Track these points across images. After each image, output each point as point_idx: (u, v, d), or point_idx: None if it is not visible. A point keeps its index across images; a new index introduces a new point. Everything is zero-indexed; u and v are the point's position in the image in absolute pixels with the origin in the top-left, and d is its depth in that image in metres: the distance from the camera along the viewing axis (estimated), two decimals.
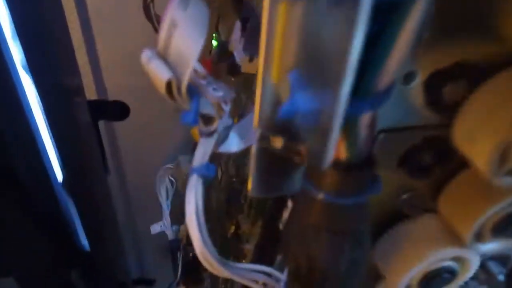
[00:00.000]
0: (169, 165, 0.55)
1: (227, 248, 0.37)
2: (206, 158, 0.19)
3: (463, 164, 0.19)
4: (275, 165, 0.19)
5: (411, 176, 0.21)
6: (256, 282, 0.21)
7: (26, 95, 0.50)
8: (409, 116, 0.19)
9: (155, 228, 0.59)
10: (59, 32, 0.44)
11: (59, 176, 0.61)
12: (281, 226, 0.25)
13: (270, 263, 0.27)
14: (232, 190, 0.34)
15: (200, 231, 0.18)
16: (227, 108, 0.20)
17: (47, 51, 0.45)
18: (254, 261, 0.30)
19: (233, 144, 0.21)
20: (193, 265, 0.49)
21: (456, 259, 0.23)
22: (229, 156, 0.37)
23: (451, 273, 0.24)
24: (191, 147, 0.51)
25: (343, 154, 0.15)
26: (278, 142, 0.17)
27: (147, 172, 0.58)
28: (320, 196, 0.16)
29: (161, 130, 0.53)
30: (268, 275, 0.21)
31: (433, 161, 0.21)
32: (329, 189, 0.15)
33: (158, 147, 0.55)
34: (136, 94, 0.51)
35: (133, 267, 0.71)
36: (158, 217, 0.62)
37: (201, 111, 0.19)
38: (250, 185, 0.20)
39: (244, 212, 0.32)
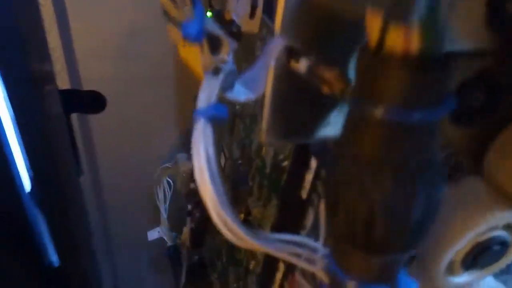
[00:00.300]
0: (167, 165, 0.51)
1: None
2: (214, 97, 0.15)
3: None
4: (296, 98, 0.15)
5: (455, 121, 0.17)
6: (295, 254, 0.17)
7: None
8: (462, 40, 0.15)
9: (153, 235, 0.54)
10: (27, 10, 0.40)
11: (26, 179, 0.55)
12: (304, 195, 0.21)
13: None
14: (238, 174, 0.30)
15: (215, 187, 0.14)
16: (233, 45, 0.17)
17: (12, 32, 0.40)
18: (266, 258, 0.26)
19: (241, 93, 0.17)
20: (199, 268, 0.44)
21: (509, 227, 0.20)
22: (231, 139, 0.33)
23: (503, 245, 0.21)
24: (182, 144, 0.47)
25: (416, 44, 0.11)
26: (302, 65, 0.14)
27: (125, 173, 0.53)
28: (379, 112, 0.11)
29: (142, 125, 0.49)
30: (302, 246, 0.16)
31: (484, 103, 0.17)
32: (394, 99, 0.11)
33: (138, 144, 0.50)
34: (113, 84, 0.46)
35: (107, 281, 0.65)
36: (136, 224, 0.57)
37: (207, 28, 0.16)
38: (263, 130, 0.16)
39: (253, 194, 0.28)
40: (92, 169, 0.51)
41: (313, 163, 0.18)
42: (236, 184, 0.29)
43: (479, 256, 0.20)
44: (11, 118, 0.49)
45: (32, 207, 0.58)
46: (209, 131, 0.14)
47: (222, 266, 0.38)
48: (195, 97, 0.40)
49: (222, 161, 0.35)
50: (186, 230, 0.49)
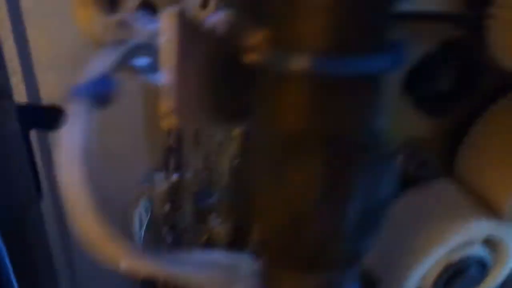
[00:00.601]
0: (142, 186, 0.47)
1: None
2: (106, 70, 0.12)
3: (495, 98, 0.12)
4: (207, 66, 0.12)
5: (418, 108, 0.13)
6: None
7: None
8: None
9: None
10: None
11: None
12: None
13: None
14: (200, 187, 0.27)
15: (86, 188, 0.11)
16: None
17: None
18: None
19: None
20: None
21: (488, 242, 0.16)
22: (195, 149, 0.30)
23: (481, 266, 0.17)
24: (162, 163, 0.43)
25: None
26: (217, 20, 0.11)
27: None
28: (302, 63, 0.08)
29: (110, 141, 0.45)
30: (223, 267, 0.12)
31: (453, 86, 0.14)
32: (319, 44, 0.08)
33: (107, 163, 0.47)
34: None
35: None
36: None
37: None
38: (173, 110, 0.12)
39: (214, 209, 0.25)
40: (53, 192, 0.47)
41: None
42: (199, 199, 0.26)
43: (452, 282, 0.16)
44: None
45: None
46: (87, 114, 0.11)
47: None
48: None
49: (189, 173, 0.32)
50: None
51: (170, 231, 0.42)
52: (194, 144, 0.29)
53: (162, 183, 0.46)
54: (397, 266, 0.14)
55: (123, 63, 0.12)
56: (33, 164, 0.44)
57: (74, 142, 0.10)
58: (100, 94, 0.11)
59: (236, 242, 0.20)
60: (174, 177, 0.39)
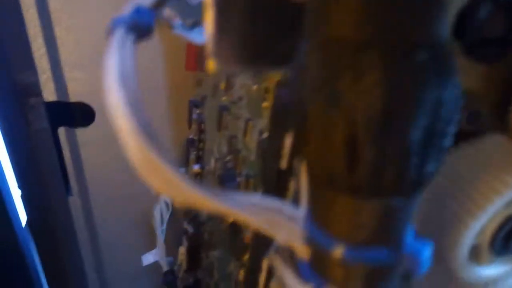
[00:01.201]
0: None
1: (225, 244, 0.29)
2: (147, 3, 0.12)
3: None
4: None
5: (468, 53, 0.13)
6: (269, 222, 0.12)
7: None
8: None
9: (148, 259, 0.50)
10: (9, 17, 0.38)
11: (21, 213, 0.53)
12: (284, 165, 0.17)
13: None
14: (225, 171, 0.26)
15: (135, 116, 0.11)
16: None
17: None
18: (255, 247, 0.22)
19: None
20: None
21: None
22: (219, 135, 0.30)
23: None
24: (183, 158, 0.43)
25: None
26: None
27: (117, 193, 0.49)
28: None
29: None
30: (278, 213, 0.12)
31: (506, 32, 0.13)
32: None
33: (123, 160, 0.47)
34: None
35: None
36: (130, 249, 0.53)
37: None
38: (211, 53, 0.12)
39: (240, 189, 0.25)
40: (81, 189, 0.48)
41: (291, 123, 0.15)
42: (222, 181, 0.25)
43: None
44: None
45: (26, 239, 0.55)
46: (128, 42, 0.11)
47: (215, 285, 0.34)
48: (190, 107, 0.36)
49: (213, 161, 0.32)
50: (182, 250, 0.45)
51: (191, 222, 0.42)
52: (218, 128, 0.29)
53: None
54: (451, 223, 0.14)
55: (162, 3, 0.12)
56: (61, 161, 0.45)
57: (116, 70, 0.10)
58: (141, 25, 0.11)
59: None
60: (195, 167, 0.39)
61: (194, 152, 0.40)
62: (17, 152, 0.45)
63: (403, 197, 0.09)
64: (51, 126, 0.43)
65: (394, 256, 0.09)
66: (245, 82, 0.24)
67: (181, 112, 0.45)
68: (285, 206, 0.12)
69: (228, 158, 0.28)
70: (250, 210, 0.12)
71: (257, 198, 0.12)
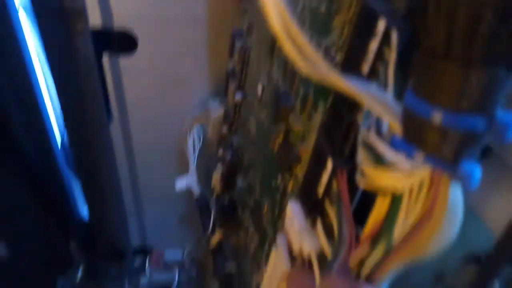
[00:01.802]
0: (198, 113, 0.50)
1: (272, 165, 0.31)
2: None
3: None
4: None
5: None
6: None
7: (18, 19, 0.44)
8: None
9: (181, 184, 0.53)
10: None
11: (57, 133, 0.55)
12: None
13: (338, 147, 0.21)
14: (278, 93, 0.28)
15: None
16: None
17: None
18: (313, 160, 0.24)
19: None
20: (229, 211, 0.43)
21: None
22: (271, 63, 0.31)
23: None
24: (223, 88, 0.45)
25: None
26: None
27: (155, 120, 0.52)
28: None
29: (173, 68, 0.47)
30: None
31: None
32: None
33: (169, 89, 0.49)
34: (144, 23, 0.45)
35: (134, 234, 0.65)
36: (164, 175, 0.56)
37: None
38: None
39: (296, 110, 0.27)
40: (121, 115, 0.50)
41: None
42: (277, 101, 0.27)
43: None
44: (43, 60, 0.49)
45: (63, 159, 0.58)
46: None
47: (254, 201, 0.37)
48: (233, 36, 0.37)
49: (260, 88, 0.34)
50: (216, 176, 0.48)
51: (228, 149, 0.44)
52: (271, 53, 0.30)
53: (218, 109, 0.48)
54: None
55: None
56: (104, 86, 0.47)
57: None
58: None
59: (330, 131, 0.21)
60: (237, 97, 0.40)
61: (235, 82, 0.42)
62: (61, 77, 0.47)
63: (508, 68, 0.11)
64: (96, 52, 0.45)
65: (488, 123, 0.11)
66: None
67: (221, 43, 0.46)
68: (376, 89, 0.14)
69: (281, 82, 0.29)
70: (364, 90, 0.13)
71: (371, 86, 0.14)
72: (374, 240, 0.16)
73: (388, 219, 0.15)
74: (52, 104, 0.60)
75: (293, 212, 0.25)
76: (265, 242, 0.35)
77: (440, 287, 0.32)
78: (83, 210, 0.64)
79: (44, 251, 0.60)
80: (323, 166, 0.22)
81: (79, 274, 0.66)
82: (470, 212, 0.18)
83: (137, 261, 0.65)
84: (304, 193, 0.25)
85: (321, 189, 0.23)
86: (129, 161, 0.56)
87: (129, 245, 0.65)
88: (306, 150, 0.26)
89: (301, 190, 0.25)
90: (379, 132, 0.14)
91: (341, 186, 0.21)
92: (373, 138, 0.14)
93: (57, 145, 0.56)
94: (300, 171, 0.27)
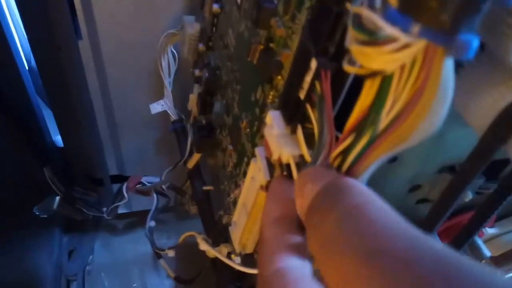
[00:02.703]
0: (172, 31, 0.47)
1: (251, 78, 0.30)
2: None
3: None
4: None
5: None
6: None
7: None
8: None
9: (155, 108, 0.51)
10: None
11: (22, 54, 0.52)
12: None
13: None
14: None
15: None
16: None
17: None
18: (296, 62, 0.23)
19: None
20: (207, 131, 0.42)
21: None
22: None
23: None
24: (198, 3, 0.42)
25: None
26: None
27: (126, 39, 0.49)
28: None
29: None
30: None
31: None
32: None
33: (143, 4, 0.46)
34: None
35: (112, 162, 0.64)
36: (138, 99, 0.54)
37: None
38: None
39: (278, 12, 0.25)
40: (91, 33, 0.47)
41: None
42: (259, 2, 0.25)
43: None
44: None
45: (31, 84, 0.55)
46: None
47: (233, 119, 0.36)
48: None
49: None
50: (192, 97, 0.46)
51: (205, 68, 0.42)
52: None
53: (193, 26, 0.45)
54: None
55: None
56: (71, 3, 0.44)
57: None
58: None
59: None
60: (215, 6, 0.38)
61: None
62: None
63: None
64: None
65: None
66: None
67: None
68: None
69: None
70: None
71: None
72: (358, 130, 0.15)
73: (375, 105, 0.14)
74: (15, 26, 0.56)
75: (273, 120, 0.24)
76: (243, 159, 0.35)
77: (415, 197, 0.33)
78: (57, 137, 0.62)
79: (19, 180, 0.59)
80: (306, 68, 0.21)
81: (56, 202, 0.65)
82: (455, 116, 0.17)
83: (115, 188, 0.65)
84: (285, 100, 0.24)
85: (303, 93, 0.22)
86: (102, 85, 0.53)
87: (106, 172, 0.64)
88: (288, 55, 0.25)
89: (282, 97, 0.24)
90: (372, 6, 0.13)
91: (324, 86, 0.20)
92: (366, 12, 0.13)
93: (25, 70, 0.53)
94: (281, 80, 0.26)
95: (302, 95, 0.22)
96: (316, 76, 0.21)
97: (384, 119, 0.14)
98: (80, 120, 0.56)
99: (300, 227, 0.22)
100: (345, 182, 0.15)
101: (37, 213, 0.62)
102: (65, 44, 0.47)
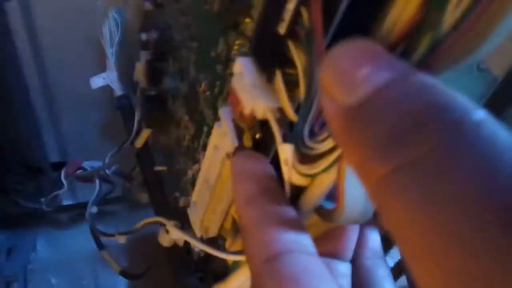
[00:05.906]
0: None
1: (211, 30, 0.25)
2: None
3: None
4: None
5: None
6: None
7: None
8: None
9: (97, 82, 0.43)
10: None
11: None
12: None
13: None
14: None
15: None
16: None
17: None
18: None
19: None
20: (157, 102, 0.36)
21: None
22: None
23: None
24: None
25: None
26: None
27: (65, 3, 0.41)
28: None
29: None
30: None
31: None
32: None
33: None
34: None
35: (53, 147, 0.56)
36: (78, 71, 0.47)
37: None
38: None
39: None
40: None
41: None
42: None
43: None
44: None
45: None
46: None
47: (188, 84, 0.30)
48: None
49: None
50: (139, 66, 0.40)
51: (154, 29, 0.36)
52: None
53: None
54: None
55: None
56: None
57: None
58: None
59: None
60: None
61: None
62: None
63: None
64: None
65: None
66: None
67: None
68: None
69: None
70: None
71: None
72: (407, 40, 0.10)
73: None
74: None
75: (243, 67, 0.19)
76: (203, 129, 0.29)
77: None
78: None
79: None
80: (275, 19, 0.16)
81: None
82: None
83: (54, 176, 0.57)
84: (259, 40, 0.19)
85: (283, 27, 0.17)
86: (35, 56, 0.45)
87: (45, 160, 0.56)
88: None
89: (254, 37, 0.19)
90: None
91: (314, 12, 0.15)
92: None
93: None
94: (250, 22, 0.21)
95: (282, 29, 0.17)
96: (302, 0, 0.16)
97: (451, 14, 0.09)
98: (10, 97, 0.48)
99: (285, 198, 0.17)
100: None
101: None
102: None
